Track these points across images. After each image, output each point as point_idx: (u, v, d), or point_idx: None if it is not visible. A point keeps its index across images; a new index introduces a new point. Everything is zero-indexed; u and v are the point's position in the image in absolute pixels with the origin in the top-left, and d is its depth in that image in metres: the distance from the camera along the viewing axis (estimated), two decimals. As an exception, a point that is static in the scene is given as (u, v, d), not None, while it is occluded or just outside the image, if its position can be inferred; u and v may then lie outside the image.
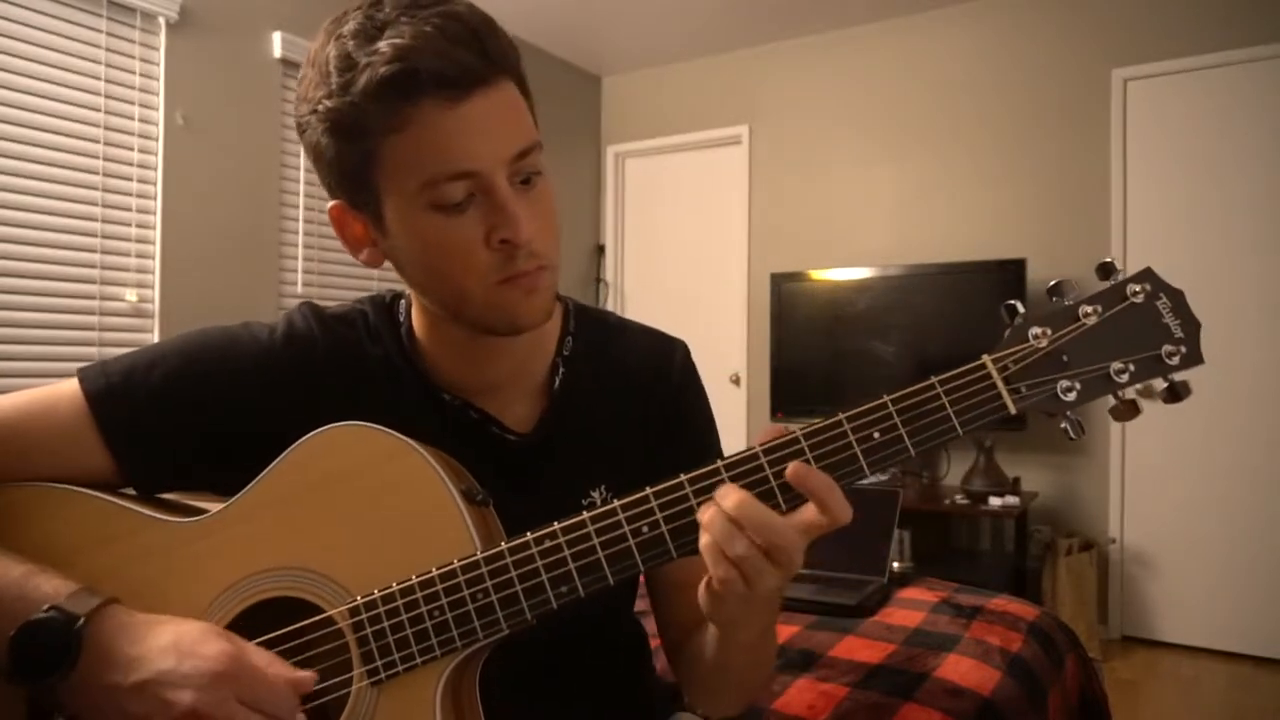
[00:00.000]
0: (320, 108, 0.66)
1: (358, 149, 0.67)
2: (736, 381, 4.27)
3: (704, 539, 0.60)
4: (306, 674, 0.64)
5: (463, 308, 0.71)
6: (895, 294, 3.65)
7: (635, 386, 0.85)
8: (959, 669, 1.26)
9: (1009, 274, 3.37)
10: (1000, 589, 1.81)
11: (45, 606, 0.60)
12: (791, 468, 0.61)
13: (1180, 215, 3.31)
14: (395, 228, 0.70)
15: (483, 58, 0.65)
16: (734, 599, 0.61)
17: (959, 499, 3.30)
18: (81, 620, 0.60)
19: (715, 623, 0.67)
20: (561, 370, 0.83)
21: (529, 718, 0.78)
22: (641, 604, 0.93)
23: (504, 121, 0.67)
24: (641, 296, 4.65)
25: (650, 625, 0.93)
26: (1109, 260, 0.65)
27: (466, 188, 0.66)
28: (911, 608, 1.56)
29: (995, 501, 3.20)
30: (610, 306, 4.65)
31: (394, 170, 0.67)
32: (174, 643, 0.61)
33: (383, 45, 0.63)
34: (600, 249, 4.72)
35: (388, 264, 0.75)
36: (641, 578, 0.87)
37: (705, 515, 0.61)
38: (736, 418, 4.19)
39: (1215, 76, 3.25)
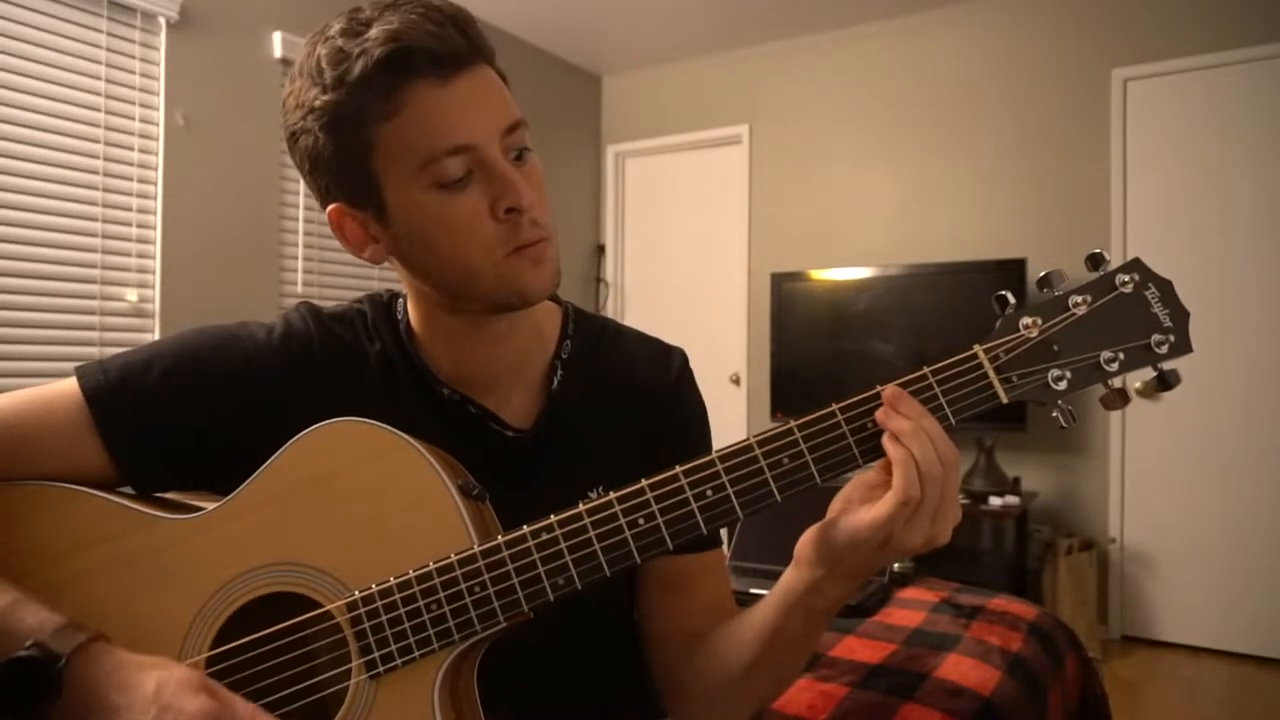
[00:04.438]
0: (316, 104, 0.69)
1: (356, 141, 0.69)
2: (736, 381, 4.27)
3: (898, 451, 0.62)
4: None
5: (471, 286, 0.72)
6: (895, 294, 3.65)
7: (632, 392, 0.86)
8: (959, 669, 1.26)
9: (1009, 274, 3.37)
10: (1000, 589, 1.81)
11: (28, 643, 0.59)
12: (889, 392, 0.64)
13: (1180, 215, 3.31)
14: (399, 215, 0.71)
15: (467, 40, 0.69)
16: (860, 551, 0.65)
17: (959, 499, 3.29)
18: (63, 661, 0.59)
19: (800, 588, 0.69)
20: (560, 372, 0.84)
21: (527, 713, 0.78)
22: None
23: (491, 97, 0.71)
24: (641, 296, 4.65)
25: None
26: (1098, 251, 0.65)
27: (465, 163, 0.68)
28: (912, 608, 1.56)
29: (995, 501, 3.20)
30: (610, 306, 4.65)
31: (393, 155, 0.69)
32: (156, 693, 0.58)
33: (373, 33, 0.67)
34: (600, 249, 4.72)
35: (386, 265, 0.76)
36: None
37: (898, 423, 0.62)
38: (736, 417, 4.18)
39: (1215, 76, 3.25)
